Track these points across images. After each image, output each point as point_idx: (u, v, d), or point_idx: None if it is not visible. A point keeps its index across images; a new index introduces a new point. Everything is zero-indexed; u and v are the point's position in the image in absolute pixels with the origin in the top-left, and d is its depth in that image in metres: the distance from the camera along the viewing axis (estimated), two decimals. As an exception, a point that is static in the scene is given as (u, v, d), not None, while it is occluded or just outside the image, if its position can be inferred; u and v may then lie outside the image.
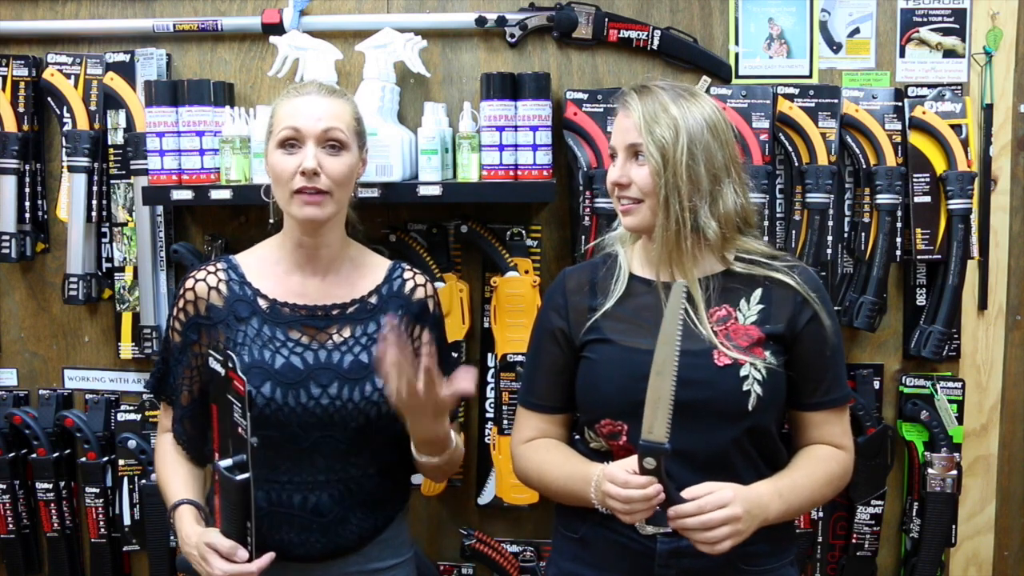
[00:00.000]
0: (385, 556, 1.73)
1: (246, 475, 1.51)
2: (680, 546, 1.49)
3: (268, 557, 1.54)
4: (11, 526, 2.42)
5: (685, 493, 1.43)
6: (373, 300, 1.72)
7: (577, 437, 1.70)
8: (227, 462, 1.53)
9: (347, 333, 1.68)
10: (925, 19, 2.23)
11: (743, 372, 1.52)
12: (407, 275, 1.76)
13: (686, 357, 1.42)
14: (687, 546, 1.45)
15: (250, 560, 1.53)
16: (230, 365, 1.51)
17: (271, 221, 1.75)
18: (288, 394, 1.61)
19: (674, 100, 1.54)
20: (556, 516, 1.70)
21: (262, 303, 1.67)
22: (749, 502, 1.45)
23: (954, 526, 2.27)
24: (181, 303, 1.69)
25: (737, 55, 2.25)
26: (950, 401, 2.25)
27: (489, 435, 2.31)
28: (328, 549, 1.65)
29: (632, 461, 1.44)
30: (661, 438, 1.40)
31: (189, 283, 1.69)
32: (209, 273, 1.69)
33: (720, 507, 1.41)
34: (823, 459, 1.60)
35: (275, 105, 1.69)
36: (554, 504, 1.70)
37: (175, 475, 1.71)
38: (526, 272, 2.27)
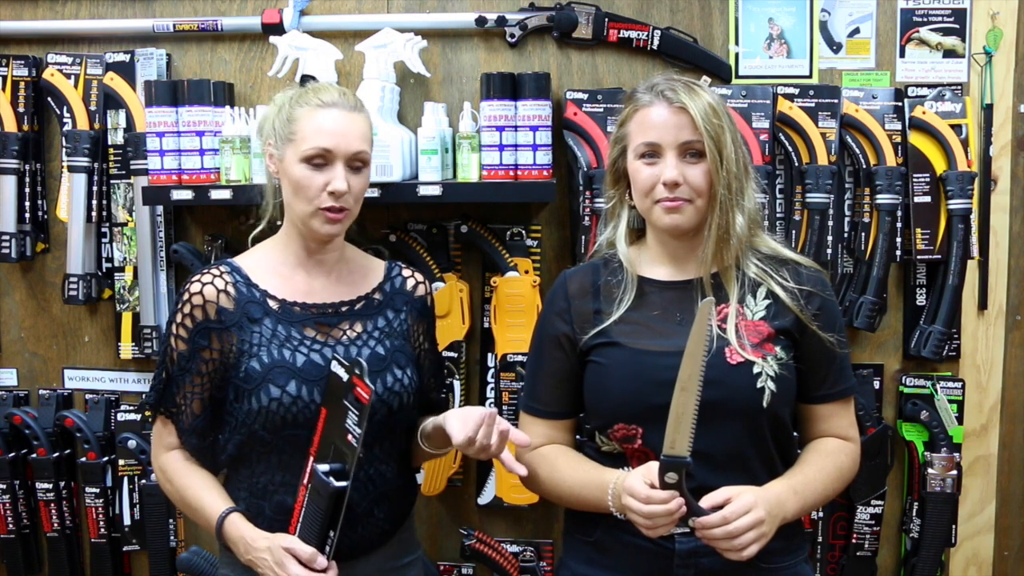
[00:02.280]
0: (401, 553, 1.75)
1: (344, 484, 1.50)
2: (699, 545, 1.48)
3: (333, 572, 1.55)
4: (11, 526, 2.42)
5: (704, 502, 1.43)
6: (378, 296, 1.75)
7: (582, 439, 1.69)
8: (324, 467, 1.52)
9: (359, 328, 1.70)
10: (925, 19, 2.23)
11: (756, 369, 1.52)
12: (405, 273, 1.80)
13: None
14: (705, 545, 1.45)
15: (327, 570, 1.53)
16: (356, 372, 1.49)
17: (261, 227, 1.77)
18: (314, 391, 1.61)
19: (711, 94, 1.55)
20: (567, 520, 1.69)
21: (272, 303, 1.67)
22: (769, 503, 1.45)
23: (954, 526, 2.27)
24: (187, 309, 1.65)
25: (737, 55, 2.25)
26: (950, 401, 2.25)
27: (489, 435, 2.31)
28: (353, 545, 1.65)
29: (649, 469, 1.43)
30: (683, 452, 1.39)
31: (194, 288, 1.65)
32: (215, 276, 1.67)
33: (743, 513, 1.41)
34: (832, 452, 1.60)
35: (295, 112, 1.65)
36: (561, 506, 1.69)
37: (205, 486, 1.68)
38: (526, 272, 2.27)
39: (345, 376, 1.52)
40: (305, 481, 1.56)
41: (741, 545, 1.41)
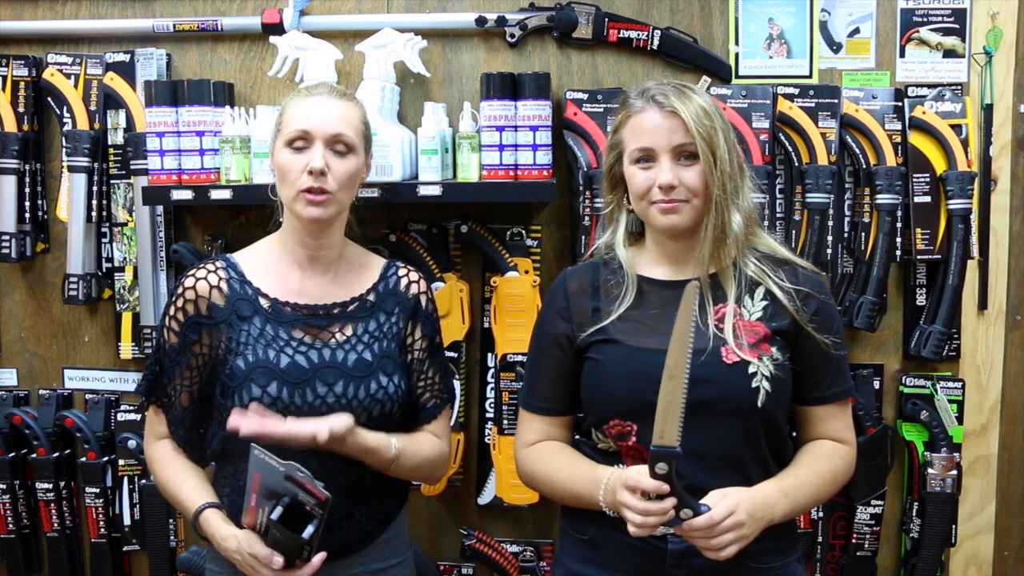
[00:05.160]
0: (387, 556, 1.74)
1: (311, 531, 1.50)
2: (691, 546, 1.49)
3: (319, 557, 1.54)
4: (11, 526, 2.42)
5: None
6: (371, 298, 1.73)
7: (580, 438, 1.70)
8: (277, 512, 1.50)
9: (349, 332, 1.69)
10: (925, 19, 2.23)
11: (751, 369, 1.52)
12: (401, 272, 1.78)
13: (694, 355, 1.42)
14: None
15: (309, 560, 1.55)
16: (300, 475, 1.47)
17: (280, 220, 1.75)
18: (295, 393, 1.61)
19: (702, 97, 1.57)
20: (563, 517, 1.70)
21: (263, 302, 1.67)
22: (755, 506, 1.46)
23: (954, 526, 2.27)
24: (180, 302, 1.67)
25: (737, 55, 2.25)
26: (950, 401, 2.25)
27: (489, 435, 2.31)
28: (333, 547, 1.64)
29: (646, 469, 1.44)
30: (673, 442, 1.40)
31: (189, 282, 1.68)
32: (209, 272, 1.68)
33: (725, 516, 1.42)
34: (827, 455, 1.61)
35: (285, 103, 1.70)
36: (559, 505, 1.70)
37: (187, 479, 1.70)
38: (526, 272, 2.27)
39: (281, 468, 1.47)
40: (253, 504, 1.54)
41: (719, 545, 1.43)
